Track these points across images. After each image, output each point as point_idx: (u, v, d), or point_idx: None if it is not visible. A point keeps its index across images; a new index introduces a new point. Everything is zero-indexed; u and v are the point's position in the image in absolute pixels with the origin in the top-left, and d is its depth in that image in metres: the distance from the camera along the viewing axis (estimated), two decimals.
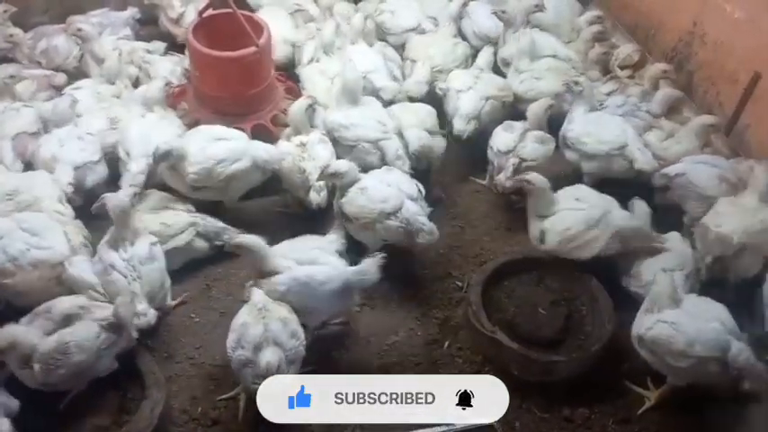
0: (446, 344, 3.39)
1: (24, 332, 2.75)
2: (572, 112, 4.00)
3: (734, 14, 4.16)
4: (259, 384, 2.77)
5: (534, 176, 3.49)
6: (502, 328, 3.22)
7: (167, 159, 3.48)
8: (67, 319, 2.83)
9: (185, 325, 3.38)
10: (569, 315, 3.35)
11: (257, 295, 2.93)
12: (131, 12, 5.00)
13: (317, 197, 3.64)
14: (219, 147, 3.57)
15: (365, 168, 3.60)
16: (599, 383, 3.23)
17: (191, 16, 4.60)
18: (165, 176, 3.61)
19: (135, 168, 3.60)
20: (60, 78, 4.44)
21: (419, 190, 3.58)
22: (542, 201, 3.49)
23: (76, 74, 4.51)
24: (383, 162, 3.78)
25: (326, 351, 3.29)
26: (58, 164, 3.58)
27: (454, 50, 4.53)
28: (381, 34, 4.77)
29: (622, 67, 4.76)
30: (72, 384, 2.83)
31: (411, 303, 3.56)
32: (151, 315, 3.06)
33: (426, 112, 4.09)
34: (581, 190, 3.62)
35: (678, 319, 2.93)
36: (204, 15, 4.02)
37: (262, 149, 3.64)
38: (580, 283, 3.47)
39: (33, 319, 2.84)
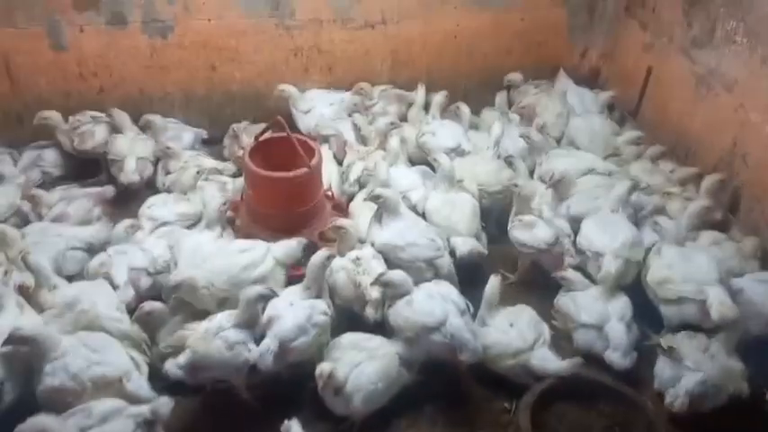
0: None
1: (57, 425, 2.66)
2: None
3: None
4: None
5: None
6: None
7: (178, 291, 3.51)
8: (105, 420, 2.77)
9: None
10: None
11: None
12: (201, 132, 5.30)
13: (373, 313, 3.65)
14: (243, 257, 3.71)
15: (417, 282, 3.61)
16: None
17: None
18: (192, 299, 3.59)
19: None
20: (109, 191, 4.57)
21: (467, 305, 3.57)
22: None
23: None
24: (436, 277, 3.83)
25: None
26: (113, 267, 3.72)
27: (498, 174, 4.64)
28: (424, 156, 4.95)
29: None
30: None
31: (457, 426, 3.45)
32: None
33: (472, 210, 4.26)
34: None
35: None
36: (260, 139, 4.27)
37: (280, 249, 3.80)
38: (636, 407, 3.33)
39: (70, 417, 2.77)
